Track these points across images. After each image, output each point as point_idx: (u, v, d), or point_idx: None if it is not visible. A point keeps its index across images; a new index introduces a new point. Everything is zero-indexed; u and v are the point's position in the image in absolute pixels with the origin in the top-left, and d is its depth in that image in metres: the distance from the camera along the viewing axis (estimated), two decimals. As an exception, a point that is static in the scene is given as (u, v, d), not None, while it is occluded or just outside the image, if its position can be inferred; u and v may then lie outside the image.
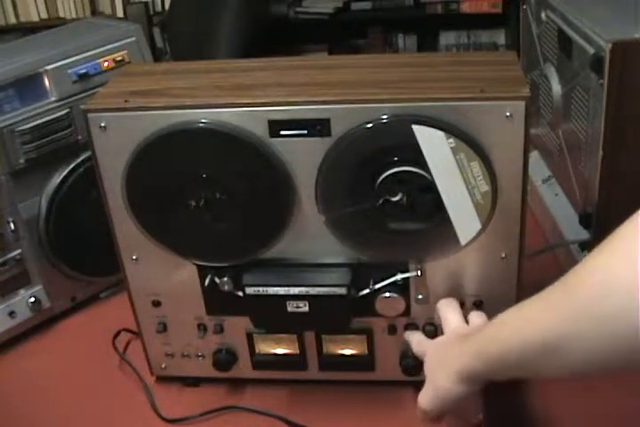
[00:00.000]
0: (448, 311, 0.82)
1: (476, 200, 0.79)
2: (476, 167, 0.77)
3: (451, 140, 0.76)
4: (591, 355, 0.55)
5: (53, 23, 2.85)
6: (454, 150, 0.77)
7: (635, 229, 0.52)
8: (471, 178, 0.78)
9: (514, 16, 2.93)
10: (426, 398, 0.75)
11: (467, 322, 0.81)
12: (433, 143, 0.77)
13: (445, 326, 0.81)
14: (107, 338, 1.04)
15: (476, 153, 0.77)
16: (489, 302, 0.86)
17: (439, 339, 0.81)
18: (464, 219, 0.80)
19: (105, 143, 0.82)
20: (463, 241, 0.81)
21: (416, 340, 0.85)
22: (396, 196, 0.79)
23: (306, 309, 0.84)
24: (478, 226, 0.80)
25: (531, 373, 0.65)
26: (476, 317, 0.81)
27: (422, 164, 0.77)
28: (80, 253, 1.11)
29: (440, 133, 0.76)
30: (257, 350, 0.93)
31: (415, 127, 0.76)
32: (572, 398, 0.89)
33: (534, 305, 0.61)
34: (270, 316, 0.87)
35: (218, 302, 0.90)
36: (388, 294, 0.85)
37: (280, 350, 0.93)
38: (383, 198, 0.80)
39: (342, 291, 0.83)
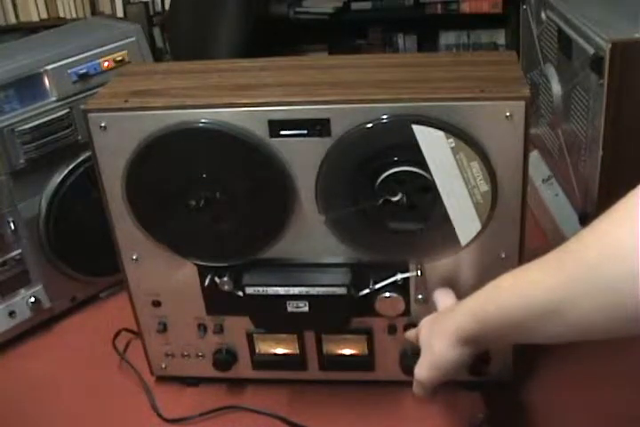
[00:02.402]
0: (443, 296, 0.82)
1: (476, 200, 0.79)
2: (476, 167, 0.77)
3: (451, 140, 0.76)
4: (592, 318, 0.54)
5: (53, 23, 2.85)
6: (454, 150, 0.77)
7: (637, 199, 0.53)
8: (471, 178, 0.78)
9: (514, 16, 2.93)
10: (422, 368, 0.74)
11: None
12: (433, 143, 0.77)
13: (439, 307, 0.81)
14: (107, 338, 1.04)
15: (476, 153, 0.77)
16: (489, 302, 0.86)
17: (431, 315, 0.79)
18: (464, 219, 0.80)
19: (105, 143, 0.82)
20: (463, 241, 0.81)
21: (413, 331, 0.83)
22: (396, 196, 0.79)
23: (306, 309, 0.84)
24: (478, 226, 0.80)
25: (528, 335, 0.63)
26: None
27: (422, 164, 0.77)
28: (80, 253, 1.11)
29: (440, 133, 0.76)
30: (257, 350, 0.93)
31: (415, 127, 0.76)
32: (574, 396, 0.89)
33: (535, 268, 0.60)
34: (270, 316, 0.87)
35: (218, 302, 0.90)
36: (387, 294, 0.85)
37: (280, 350, 0.93)
38: (383, 198, 0.80)
39: (342, 291, 0.83)
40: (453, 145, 0.76)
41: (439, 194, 0.79)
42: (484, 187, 0.78)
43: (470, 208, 0.79)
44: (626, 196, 0.54)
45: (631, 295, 0.50)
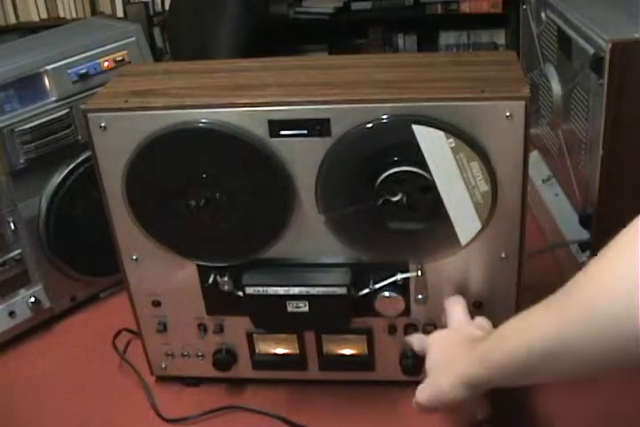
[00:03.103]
0: (454, 306, 0.83)
1: (476, 200, 0.79)
2: (476, 167, 0.77)
3: (451, 140, 0.76)
4: (594, 356, 0.56)
5: (53, 23, 2.85)
6: (454, 150, 0.77)
7: (634, 236, 0.53)
8: (471, 178, 0.78)
9: (514, 16, 2.93)
10: (425, 394, 0.75)
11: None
12: (433, 143, 0.77)
13: (450, 319, 0.82)
14: (107, 338, 1.04)
15: (476, 153, 0.77)
16: (489, 302, 0.86)
17: (442, 333, 0.80)
18: (464, 219, 0.80)
19: (105, 143, 0.82)
20: (463, 241, 0.81)
21: (416, 338, 0.85)
22: (396, 196, 0.79)
23: (306, 309, 0.84)
24: (478, 226, 0.80)
25: (533, 378, 0.66)
26: (482, 318, 0.82)
27: (422, 164, 0.77)
28: (80, 253, 1.11)
29: (440, 133, 0.76)
30: (257, 350, 0.93)
31: (415, 127, 0.76)
32: (574, 397, 0.89)
33: (536, 312, 0.62)
34: (270, 316, 0.87)
35: (218, 302, 0.90)
36: (387, 294, 0.85)
37: (280, 350, 0.93)
38: (383, 198, 0.80)
39: (342, 291, 0.83)
40: (453, 145, 0.76)
41: (439, 194, 0.79)
42: (484, 187, 0.78)
43: (470, 208, 0.79)
44: (619, 233, 0.55)
45: (629, 333, 0.51)
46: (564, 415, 0.88)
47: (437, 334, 0.80)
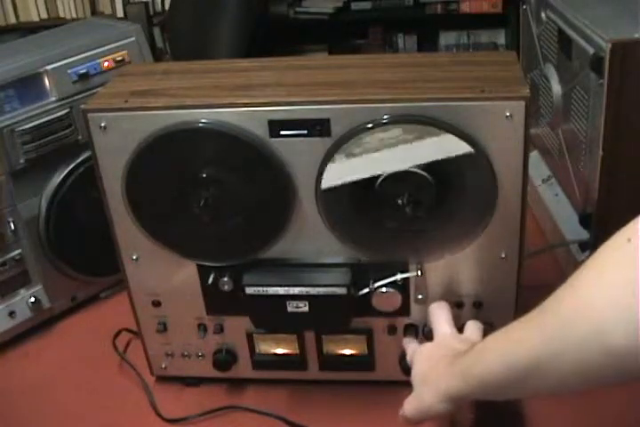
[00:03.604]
0: (438, 317, 0.83)
1: (476, 200, 0.79)
2: (476, 167, 0.77)
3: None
4: (571, 374, 0.56)
5: (53, 23, 2.84)
6: (454, 150, 0.77)
7: (616, 255, 0.54)
8: (471, 178, 0.78)
9: (514, 16, 2.93)
10: (410, 406, 0.76)
11: (461, 327, 0.82)
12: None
13: (435, 331, 0.82)
14: (107, 338, 1.04)
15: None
16: (489, 302, 0.86)
17: (427, 347, 0.81)
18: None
19: (105, 143, 0.82)
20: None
21: (411, 349, 0.84)
22: (396, 196, 0.79)
23: (306, 309, 0.84)
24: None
25: (514, 392, 0.67)
26: (472, 325, 0.82)
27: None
28: (80, 253, 1.11)
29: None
30: (257, 350, 0.93)
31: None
32: (571, 397, 0.89)
33: (517, 327, 0.63)
34: (270, 316, 0.87)
35: (218, 302, 0.90)
36: (384, 290, 0.85)
37: (280, 350, 0.93)
38: (383, 198, 0.79)
39: (342, 291, 0.83)
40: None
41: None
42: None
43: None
44: (597, 250, 0.55)
45: (600, 353, 0.52)
46: (561, 416, 0.88)
47: (423, 348, 0.81)
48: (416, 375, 0.78)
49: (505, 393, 0.67)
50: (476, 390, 0.67)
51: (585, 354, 0.54)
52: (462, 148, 0.76)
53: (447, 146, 0.76)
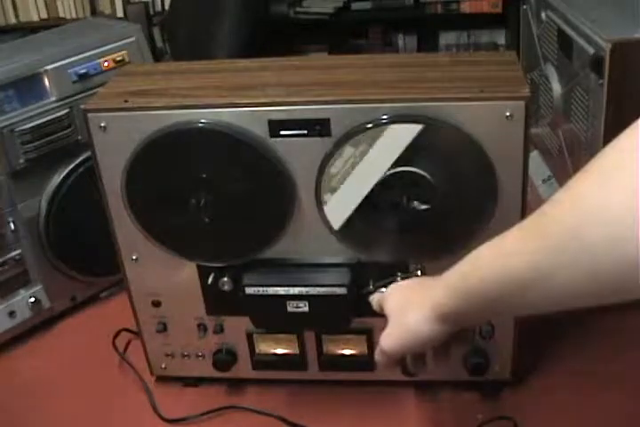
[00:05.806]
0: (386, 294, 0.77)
1: (476, 200, 0.79)
2: (476, 167, 0.77)
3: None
4: (576, 285, 0.51)
5: (53, 23, 2.84)
6: (454, 150, 0.77)
7: (625, 157, 0.49)
8: (471, 178, 0.78)
9: (514, 16, 2.92)
10: (390, 339, 0.69)
11: None
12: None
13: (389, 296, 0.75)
14: (107, 338, 1.04)
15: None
16: (489, 302, 0.86)
17: (397, 284, 0.77)
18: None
19: (105, 143, 0.82)
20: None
21: (377, 297, 0.78)
22: (396, 196, 0.79)
23: (306, 309, 0.84)
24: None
25: (513, 307, 0.60)
26: None
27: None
28: (80, 253, 1.11)
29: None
30: (257, 350, 0.93)
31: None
32: (573, 397, 0.89)
33: (514, 237, 0.57)
34: (270, 316, 0.87)
35: (218, 302, 0.90)
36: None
37: (280, 350, 0.93)
38: (383, 198, 0.79)
39: (342, 291, 0.83)
40: (453, 145, 0.76)
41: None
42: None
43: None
44: (598, 154, 0.51)
45: (614, 261, 0.47)
46: (563, 415, 0.88)
47: (393, 286, 0.76)
48: (392, 306, 0.71)
49: (504, 308, 0.60)
50: (469, 305, 0.61)
51: (597, 263, 0.48)
52: (411, 130, 0.75)
53: (398, 136, 0.76)
